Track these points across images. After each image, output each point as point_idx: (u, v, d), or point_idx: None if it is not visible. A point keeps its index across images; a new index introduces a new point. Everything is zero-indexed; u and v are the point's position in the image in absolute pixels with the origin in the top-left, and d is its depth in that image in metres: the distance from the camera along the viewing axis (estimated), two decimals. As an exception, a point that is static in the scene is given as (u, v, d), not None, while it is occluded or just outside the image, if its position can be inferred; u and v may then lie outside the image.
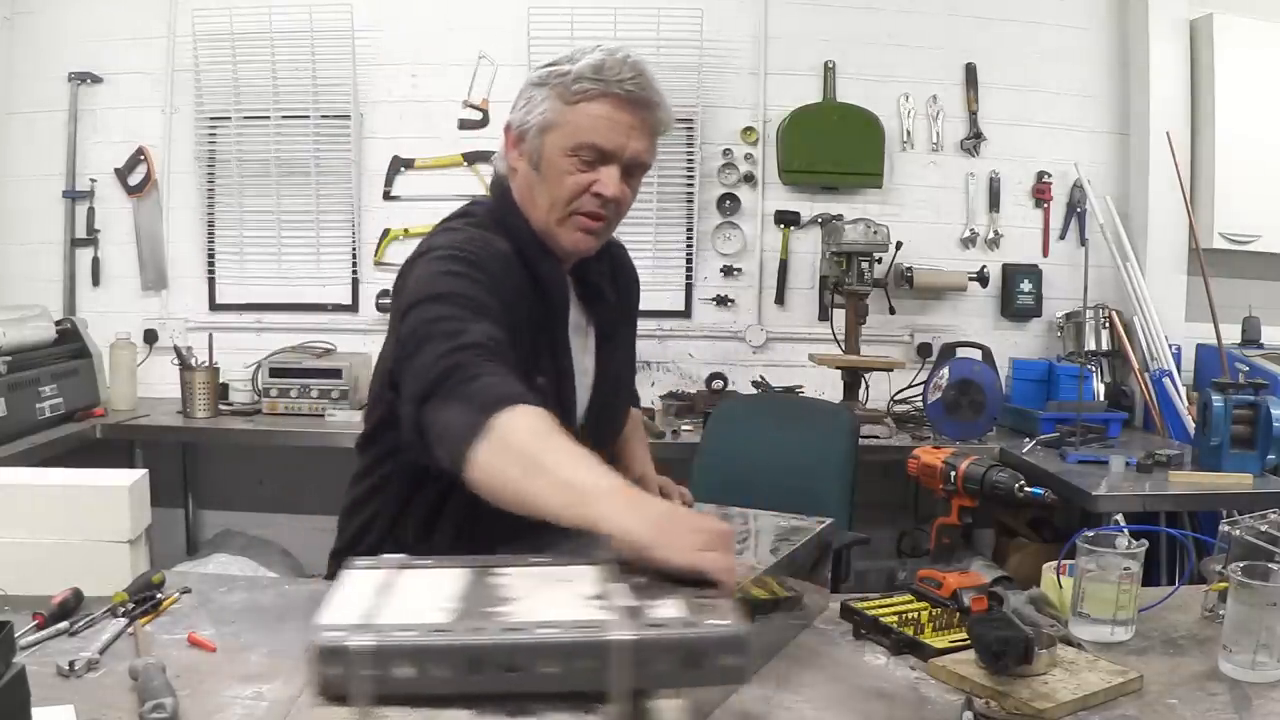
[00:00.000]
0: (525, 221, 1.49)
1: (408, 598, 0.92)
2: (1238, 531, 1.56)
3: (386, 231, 3.86)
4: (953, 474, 1.66)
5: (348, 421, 3.46)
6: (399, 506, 1.53)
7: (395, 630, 0.83)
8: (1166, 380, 3.54)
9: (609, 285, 1.63)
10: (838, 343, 3.65)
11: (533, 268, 1.48)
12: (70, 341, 3.52)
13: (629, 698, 0.83)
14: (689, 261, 3.93)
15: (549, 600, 0.94)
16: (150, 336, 3.87)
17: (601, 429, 1.62)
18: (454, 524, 1.47)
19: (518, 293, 1.43)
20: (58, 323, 3.52)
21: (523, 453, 1.14)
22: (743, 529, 1.58)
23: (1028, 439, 3.28)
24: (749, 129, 3.89)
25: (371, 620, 0.84)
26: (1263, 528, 1.56)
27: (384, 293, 3.82)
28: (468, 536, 1.42)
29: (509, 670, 0.82)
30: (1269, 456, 2.84)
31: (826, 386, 3.65)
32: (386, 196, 3.89)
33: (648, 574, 0.99)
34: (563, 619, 0.87)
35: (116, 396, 3.57)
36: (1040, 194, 3.96)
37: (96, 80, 3.83)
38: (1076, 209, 3.94)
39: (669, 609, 0.90)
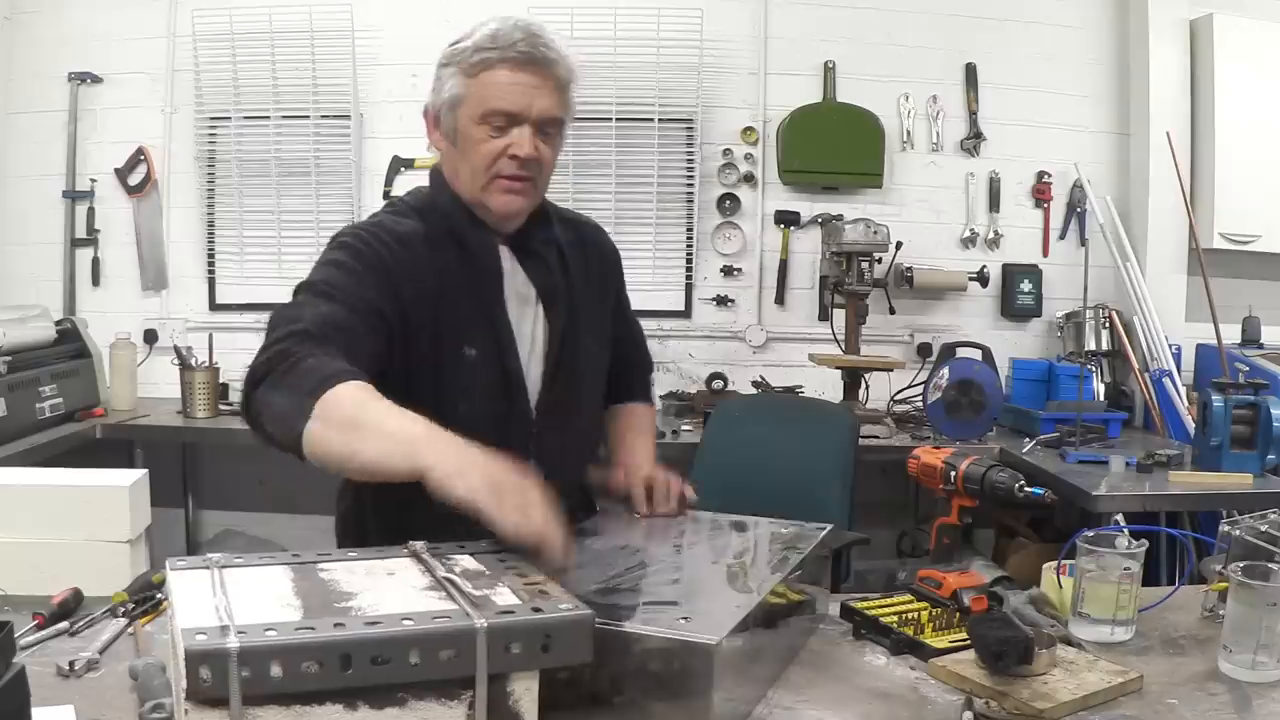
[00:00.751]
0: (455, 197, 1.55)
1: (249, 597, 0.93)
2: (1238, 531, 1.56)
3: (386, 231, 3.86)
4: (953, 474, 1.66)
5: (348, 421, 3.46)
6: (371, 496, 1.56)
7: (262, 630, 0.84)
8: (1166, 380, 3.54)
9: (562, 255, 1.63)
10: (838, 343, 3.65)
11: (459, 238, 1.54)
12: (70, 341, 3.52)
13: (488, 681, 0.89)
14: (689, 261, 3.93)
15: (389, 593, 0.97)
16: (150, 336, 3.87)
17: (563, 402, 1.59)
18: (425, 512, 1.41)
19: (422, 269, 1.48)
20: (58, 323, 3.52)
21: (345, 419, 1.19)
22: (742, 537, 1.57)
23: (1028, 439, 3.28)
24: (749, 129, 3.89)
25: (231, 621, 0.85)
26: (1263, 528, 1.56)
27: (384, 293, 3.81)
28: (445, 528, 1.29)
29: (377, 663, 0.85)
30: (1269, 456, 2.84)
31: (826, 386, 3.65)
32: (386, 196, 3.88)
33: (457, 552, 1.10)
34: (416, 610, 0.91)
35: (116, 396, 3.56)
36: (1040, 194, 3.96)
37: (96, 80, 3.83)
38: (1076, 209, 3.94)
39: (507, 596, 0.97)
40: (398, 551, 1.10)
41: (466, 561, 1.08)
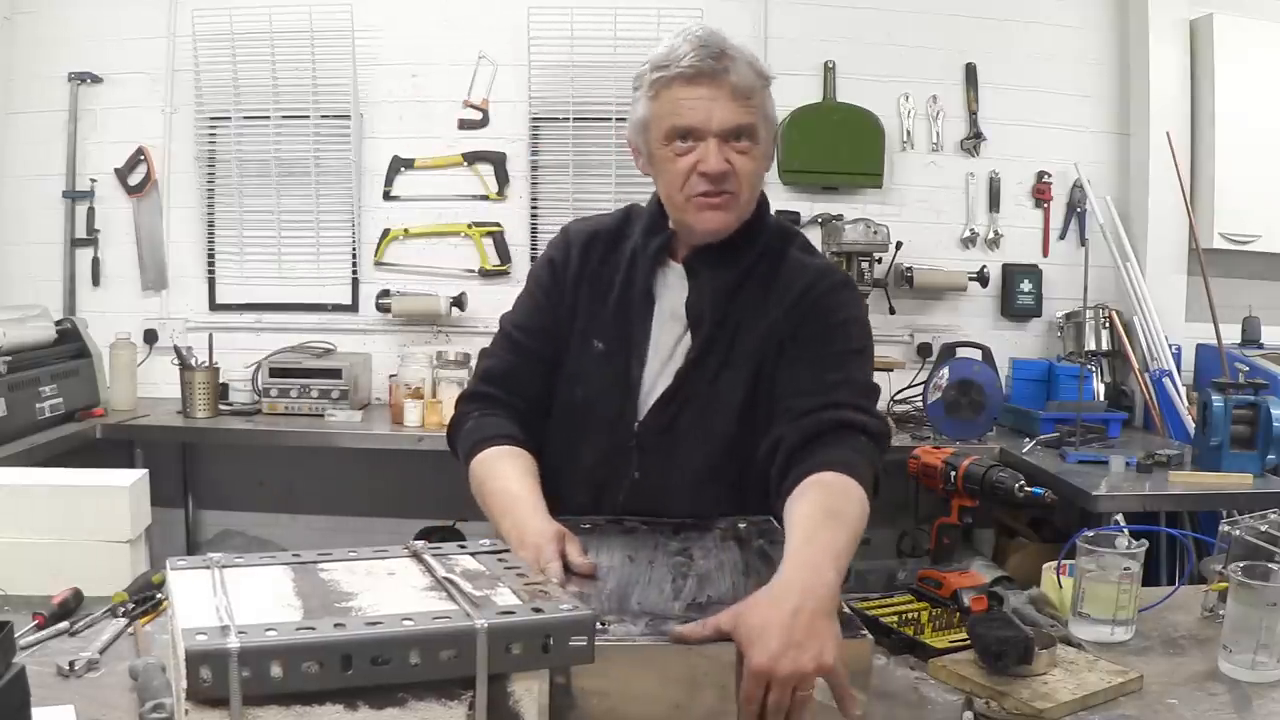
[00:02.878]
0: (660, 210, 1.59)
1: (249, 597, 0.94)
2: (1238, 531, 1.56)
3: (386, 231, 3.86)
4: (953, 474, 1.66)
5: (347, 421, 3.46)
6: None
7: (263, 630, 0.84)
8: (1166, 380, 3.54)
9: (740, 286, 1.55)
10: (838, 343, 3.64)
11: (635, 245, 1.60)
12: (70, 341, 3.52)
13: (488, 682, 0.89)
14: (689, 261, 3.92)
15: (389, 594, 0.98)
16: (150, 336, 3.87)
17: (676, 424, 1.55)
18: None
19: (590, 268, 1.62)
20: (58, 323, 3.52)
21: (478, 483, 1.53)
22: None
23: (1028, 439, 3.28)
24: (749, 129, 3.89)
25: (231, 621, 0.86)
26: (1263, 528, 1.56)
27: (384, 293, 3.82)
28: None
29: (377, 663, 0.85)
30: (1269, 456, 2.84)
31: (826, 386, 3.64)
32: (386, 196, 3.89)
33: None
34: (416, 611, 0.91)
35: (116, 396, 3.56)
36: (1040, 194, 3.96)
37: (96, 80, 3.83)
38: (1076, 209, 3.94)
39: (507, 596, 0.97)
40: (398, 551, 1.10)
41: (467, 562, 1.08)
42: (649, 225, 1.60)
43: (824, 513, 1.26)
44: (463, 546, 1.13)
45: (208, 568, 1.01)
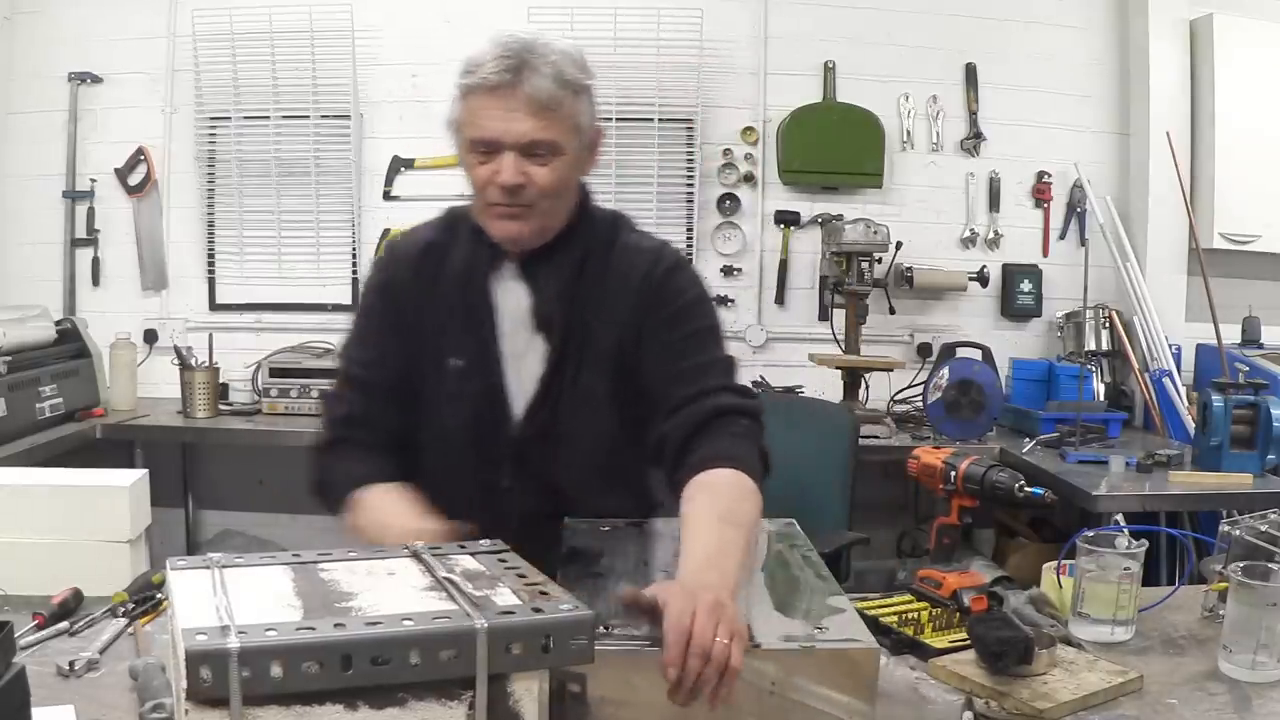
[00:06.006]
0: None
1: (249, 597, 0.94)
2: (1238, 531, 1.56)
3: (386, 231, 3.86)
4: (953, 474, 1.66)
5: (348, 421, 3.46)
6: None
7: (263, 630, 0.84)
8: (1166, 380, 3.54)
9: (575, 283, 1.53)
10: (838, 343, 3.65)
11: (466, 253, 1.56)
12: (70, 341, 3.51)
13: (488, 682, 0.89)
14: (689, 261, 3.92)
15: (389, 593, 0.98)
16: (150, 336, 3.87)
17: (550, 431, 1.53)
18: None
19: (424, 284, 1.56)
20: (58, 323, 3.52)
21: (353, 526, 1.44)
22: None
23: (1028, 439, 3.28)
24: (749, 129, 3.89)
25: (231, 621, 0.86)
26: (1263, 528, 1.56)
27: (384, 293, 3.81)
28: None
29: (377, 663, 0.85)
30: (1269, 456, 2.84)
31: (826, 386, 3.65)
32: (386, 196, 3.89)
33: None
34: (416, 611, 0.91)
35: (116, 396, 3.56)
36: (1040, 194, 3.96)
37: (96, 80, 3.83)
38: (1076, 209, 3.94)
39: (507, 596, 0.97)
40: (398, 551, 1.10)
41: (467, 562, 1.08)
42: (478, 229, 1.54)
43: (720, 517, 1.26)
44: (462, 546, 1.13)
45: (208, 568, 1.01)
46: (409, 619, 0.89)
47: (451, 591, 0.96)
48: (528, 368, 1.54)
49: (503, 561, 1.09)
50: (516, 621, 0.91)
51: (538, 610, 0.93)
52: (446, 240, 1.59)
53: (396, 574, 1.04)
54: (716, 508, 1.28)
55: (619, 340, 1.52)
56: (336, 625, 0.87)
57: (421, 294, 1.56)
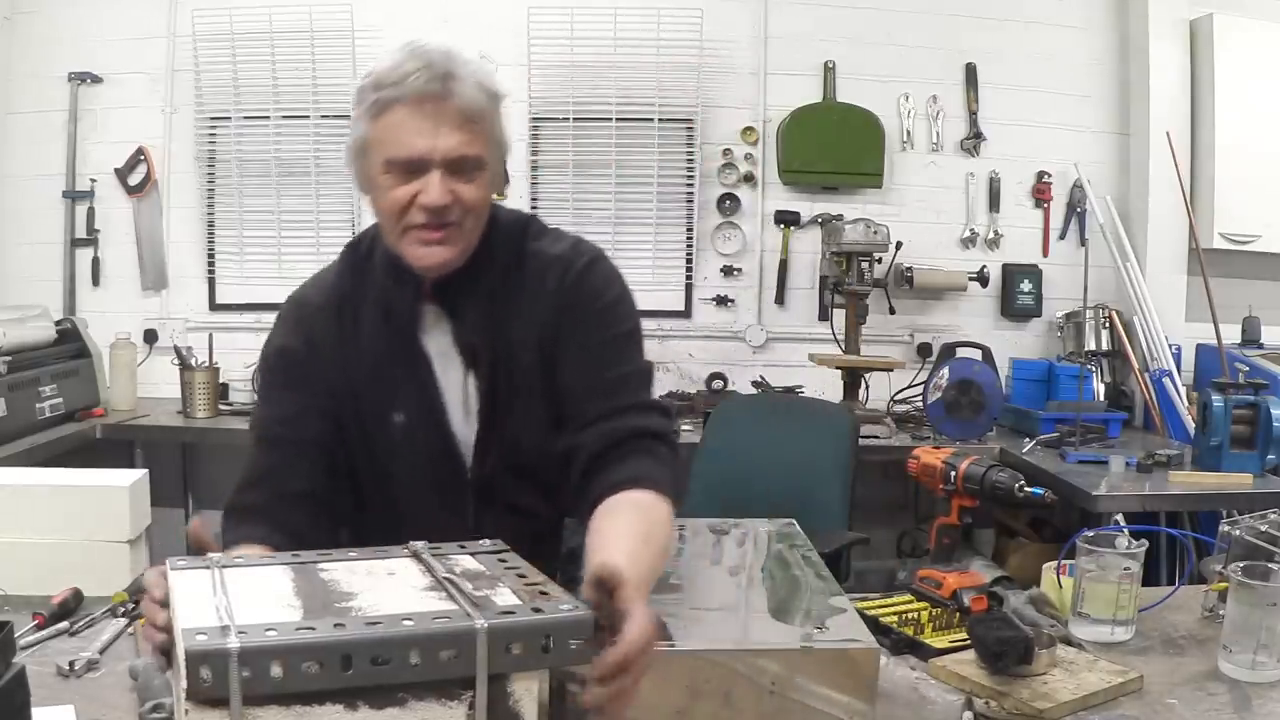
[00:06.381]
0: (386, 248, 1.42)
1: (249, 597, 0.94)
2: (1238, 531, 1.56)
3: (386, 232, 3.86)
4: (953, 474, 1.66)
5: (348, 421, 3.46)
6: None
7: (263, 630, 0.84)
8: (1166, 380, 3.54)
9: (493, 306, 1.43)
10: (838, 343, 3.65)
11: (381, 297, 1.44)
12: (70, 341, 3.52)
13: (488, 682, 0.89)
14: (689, 261, 3.92)
15: (389, 594, 0.97)
16: (150, 336, 3.87)
17: (501, 470, 1.45)
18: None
19: (345, 338, 1.44)
20: (58, 323, 3.52)
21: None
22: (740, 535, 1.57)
23: (1028, 439, 3.28)
24: (749, 129, 3.89)
25: (231, 621, 0.86)
26: (1263, 528, 1.56)
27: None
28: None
29: (377, 663, 0.85)
30: (1269, 456, 2.84)
31: (826, 386, 3.65)
32: (386, 197, 3.88)
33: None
34: (416, 611, 0.91)
35: (116, 396, 3.56)
36: (1040, 194, 3.96)
37: (96, 80, 3.83)
38: (1076, 209, 3.94)
39: (507, 596, 0.96)
40: (399, 551, 1.10)
41: (467, 562, 1.08)
42: (392, 270, 1.42)
43: (641, 537, 1.22)
44: (463, 547, 1.13)
45: (208, 568, 1.01)
46: (409, 619, 0.89)
47: (451, 591, 0.96)
48: (469, 406, 1.45)
49: (503, 561, 1.08)
50: (516, 622, 0.91)
51: (538, 610, 0.93)
52: (358, 285, 1.46)
53: (397, 574, 1.04)
54: (640, 528, 1.25)
55: (542, 356, 1.43)
56: (336, 625, 0.87)
57: (346, 351, 1.44)
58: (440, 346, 1.44)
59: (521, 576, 1.03)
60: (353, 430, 1.43)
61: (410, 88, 1.31)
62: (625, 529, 1.23)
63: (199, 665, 0.81)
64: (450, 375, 1.44)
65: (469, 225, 1.36)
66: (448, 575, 1.00)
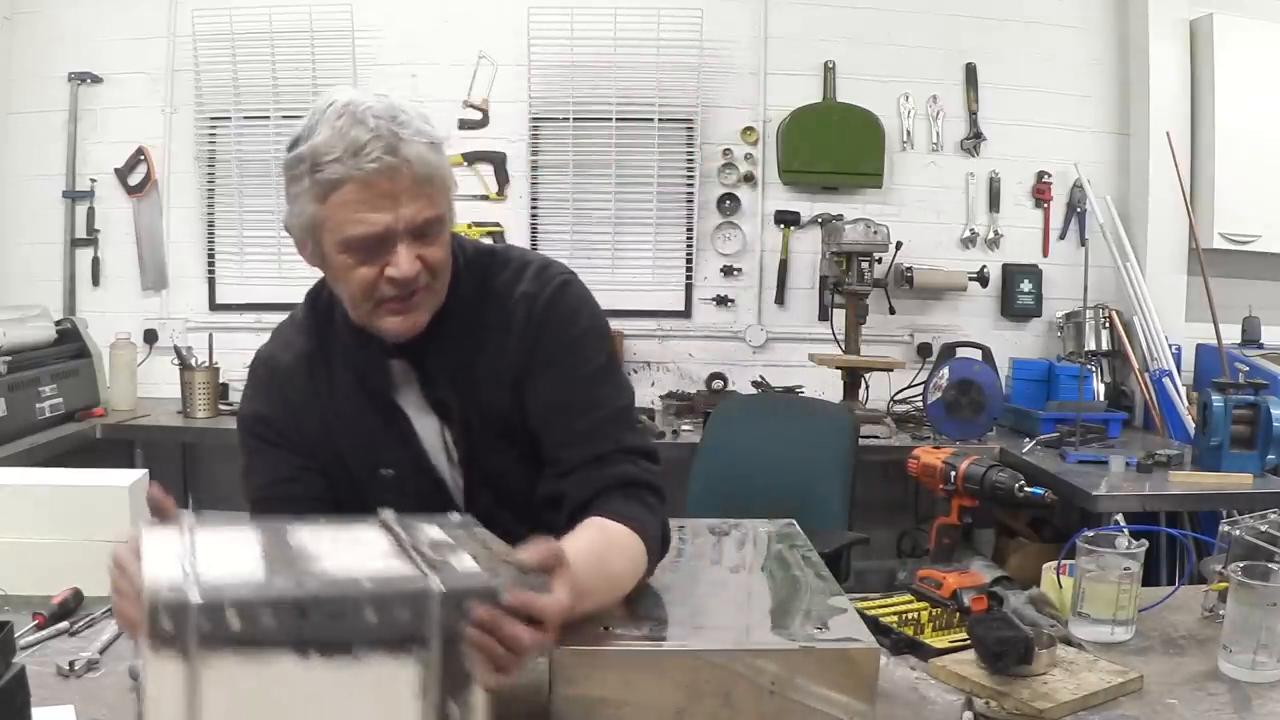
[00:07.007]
0: (345, 314, 1.37)
1: (216, 555, 0.96)
2: (1238, 531, 1.56)
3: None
4: (953, 474, 1.66)
5: (348, 421, 3.46)
6: None
7: (223, 583, 0.87)
8: (1166, 380, 3.54)
9: (450, 356, 1.39)
10: (838, 343, 3.65)
11: (349, 359, 1.41)
12: (70, 341, 3.52)
13: (443, 641, 0.92)
14: (689, 261, 3.92)
15: (353, 557, 1.00)
16: (150, 336, 3.87)
17: (493, 514, 1.34)
18: None
19: (320, 397, 1.41)
20: (58, 323, 3.52)
21: None
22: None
23: (1028, 439, 3.28)
24: (749, 129, 3.89)
25: (195, 574, 0.89)
26: (1263, 528, 1.56)
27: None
28: None
29: (333, 619, 0.88)
30: (1269, 456, 2.84)
31: (826, 386, 3.65)
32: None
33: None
34: (377, 572, 0.93)
35: (116, 396, 3.57)
36: (1040, 194, 3.96)
37: (96, 80, 3.83)
38: (1076, 209, 3.94)
39: (466, 561, 0.99)
40: (368, 521, 1.11)
41: (434, 532, 1.09)
42: (356, 334, 1.38)
43: (595, 555, 1.19)
44: (431, 519, 1.13)
45: (179, 530, 1.03)
46: (369, 579, 0.91)
47: (413, 556, 0.98)
48: (450, 454, 1.43)
49: (472, 537, 1.10)
50: (472, 584, 0.93)
51: (494, 574, 0.96)
52: (324, 344, 1.43)
53: (362, 541, 1.05)
54: (600, 553, 1.21)
55: (517, 396, 1.39)
56: (296, 581, 0.90)
57: (323, 410, 1.41)
58: (412, 400, 1.41)
59: (487, 547, 1.04)
60: (343, 485, 1.42)
61: (361, 166, 1.20)
62: (584, 544, 1.19)
63: (160, 614, 0.84)
64: (427, 426, 1.42)
65: (438, 285, 1.33)
66: (413, 544, 1.01)
